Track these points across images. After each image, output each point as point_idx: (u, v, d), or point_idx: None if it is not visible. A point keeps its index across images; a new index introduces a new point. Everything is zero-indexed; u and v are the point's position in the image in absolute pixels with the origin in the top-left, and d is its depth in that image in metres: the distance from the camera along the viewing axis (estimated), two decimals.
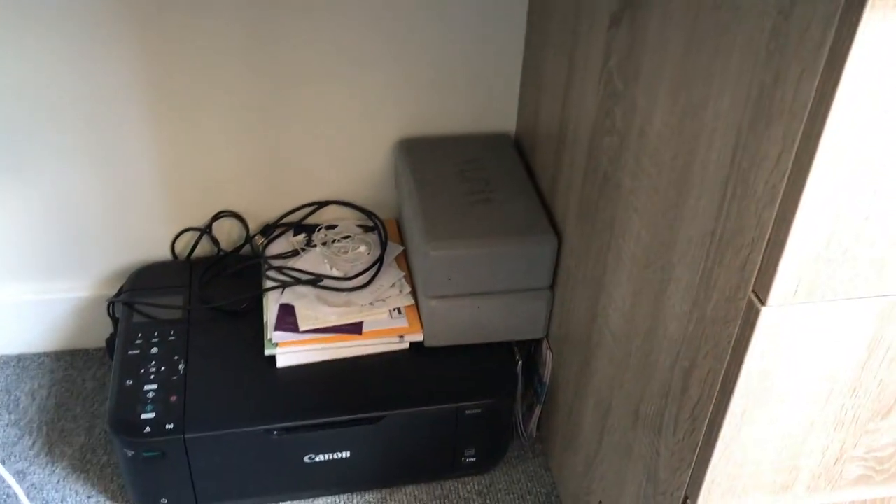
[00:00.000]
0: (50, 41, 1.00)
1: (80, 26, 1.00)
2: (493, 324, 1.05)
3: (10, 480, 0.85)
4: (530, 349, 1.14)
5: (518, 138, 1.18)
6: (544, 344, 1.09)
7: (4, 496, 1.06)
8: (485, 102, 1.16)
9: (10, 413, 1.16)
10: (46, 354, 1.25)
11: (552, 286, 1.04)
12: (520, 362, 1.09)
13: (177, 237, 1.20)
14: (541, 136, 1.07)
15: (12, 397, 1.18)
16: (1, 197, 1.11)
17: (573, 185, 0.95)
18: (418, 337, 1.06)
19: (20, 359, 1.24)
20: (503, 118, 1.18)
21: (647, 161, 0.75)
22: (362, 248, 1.16)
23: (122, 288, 1.15)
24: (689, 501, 0.71)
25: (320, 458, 1.02)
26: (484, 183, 1.08)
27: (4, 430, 1.14)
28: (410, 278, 1.11)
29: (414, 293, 1.09)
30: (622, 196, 0.81)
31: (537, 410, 1.13)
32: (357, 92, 1.12)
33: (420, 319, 1.06)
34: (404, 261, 1.15)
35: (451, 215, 1.02)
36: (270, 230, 1.19)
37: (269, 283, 1.10)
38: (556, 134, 1.00)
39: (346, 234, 1.18)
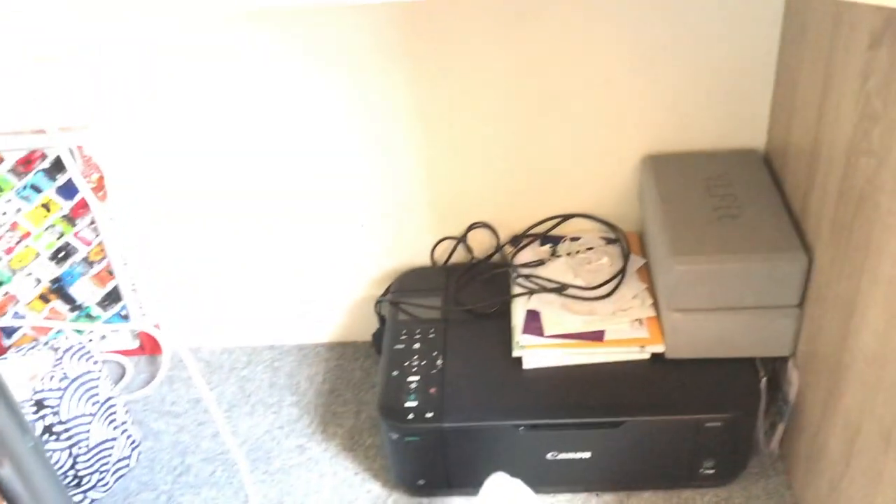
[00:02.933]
0: (337, 74, 1.16)
1: (361, 57, 1.14)
2: (736, 339, 1.06)
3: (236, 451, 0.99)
4: (775, 366, 1.13)
5: (767, 155, 1.18)
6: (790, 362, 1.08)
7: (282, 467, 1.22)
8: (734, 118, 1.17)
9: (292, 395, 1.34)
10: (322, 345, 1.42)
11: (800, 304, 1.03)
12: (763, 379, 1.09)
13: (436, 245, 1.32)
14: (792, 154, 1.07)
15: (294, 381, 1.36)
16: (298, 205, 1.29)
17: (826, 203, 0.94)
18: (659, 348, 1.09)
19: (300, 348, 1.42)
20: (752, 135, 1.18)
21: None
22: (605, 260, 1.21)
23: (388, 289, 1.29)
24: None
25: (562, 456, 1.08)
26: (731, 199, 1.09)
27: (288, 409, 1.31)
28: (652, 291, 1.15)
29: (656, 305, 1.13)
30: (880, 217, 0.80)
31: (780, 428, 1.12)
32: (606, 108, 1.18)
33: (661, 331, 1.09)
34: (646, 273, 1.19)
35: (697, 229, 1.05)
36: (519, 240, 1.28)
37: (517, 290, 1.19)
38: (809, 152, 0.99)
39: (590, 246, 1.24)
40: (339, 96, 1.18)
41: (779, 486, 1.13)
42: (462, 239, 1.31)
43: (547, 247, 1.26)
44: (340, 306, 1.39)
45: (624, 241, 1.23)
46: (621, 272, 1.17)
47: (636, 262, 1.20)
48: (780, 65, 1.10)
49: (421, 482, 1.13)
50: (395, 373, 1.13)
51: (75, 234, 1.28)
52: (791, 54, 1.05)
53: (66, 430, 1.10)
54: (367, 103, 1.18)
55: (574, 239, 1.26)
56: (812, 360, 1.01)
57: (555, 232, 1.29)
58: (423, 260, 1.34)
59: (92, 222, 1.27)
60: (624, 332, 1.11)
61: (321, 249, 1.34)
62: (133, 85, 1.18)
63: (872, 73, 0.80)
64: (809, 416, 1.03)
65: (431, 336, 1.17)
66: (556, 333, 1.12)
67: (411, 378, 1.12)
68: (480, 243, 1.32)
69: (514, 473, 1.11)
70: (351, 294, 1.37)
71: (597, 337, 1.11)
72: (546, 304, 1.16)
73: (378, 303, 1.30)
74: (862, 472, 0.87)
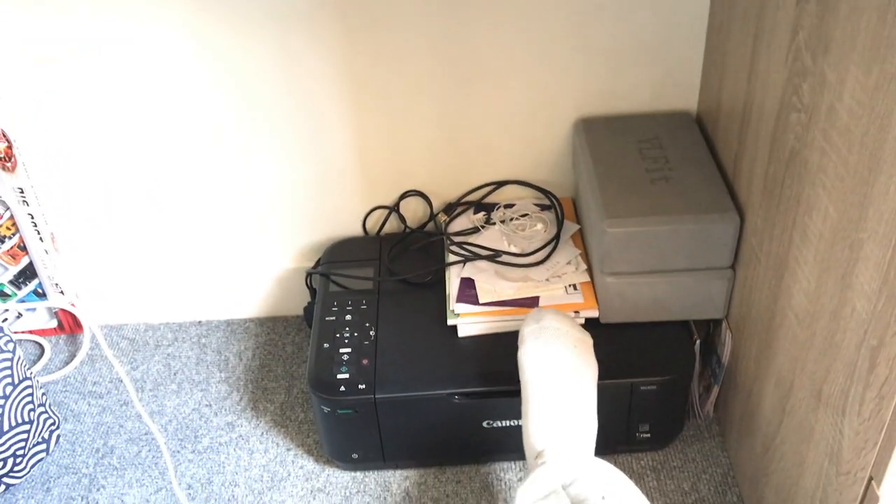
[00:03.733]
0: (262, 40, 1.11)
1: (290, 25, 1.10)
2: (670, 302, 1.06)
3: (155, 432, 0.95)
4: (709, 329, 1.13)
5: (699, 116, 1.18)
6: (724, 324, 1.08)
7: (217, 443, 1.19)
8: (665, 80, 1.16)
9: (220, 371, 1.29)
10: (251, 320, 1.38)
11: (733, 266, 1.03)
12: (697, 342, 1.09)
13: (368, 215, 1.29)
14: (723, 114, 1.06)
15: (222, 357, 1.32)
16: (217, 176, 1.24)
17: (757, 162, 0.94)
18: (594, 313, 1.08)
19: (229, 323, 1.38)
20: (684, 96, 1.18)
21: (836, 137, 0.73)
22: (539, 226, 1.19)
23: (318, 260, 1.25)
24: (873, 482, 0.70)
25: (497, 424, 1.07)
26: (663, 161, 1.09)
27: (217, 387, 1.27)
28: (586, 256, 1.14)
29: (590, 271, 1.12)
30: (809, 173, 0.80)
31: (715, 391, 1.13)
32: (536, 73, 1.15)
33: (595, 296, 1.08)
34: (580, 239, 1.17)
35: (630, 192, 1.04)
36: (452, 208, 1.26)
37: (451, 258, 1.17)
38: (740, 111, 0.99)
39: (524, 213, 1.22)
40: (264, 63, 1.13)
41: (714, 448, 1.13)
42: (394, 208, 1.28)
43: (481, 214, 1.24)
44: (270, 280, 1.34)
45: (558, 207, 1.21)
46: (555, 238, 1.16)
47: (570, 228, 1.19)
48: (711, 24, 1.10)
49: (355, 456, 1.10)
50: (326, 345, 1.09)
51: None
52: (721, 13, 1.05)
53: None
54: (293, 71, 1.14)
55: (508, 206, 1.24)
56: (745, 321, 1.01)
57: (489, 199, 1.27)
58: (354, 230, 1.30)
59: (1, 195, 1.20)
60: (558, 298, 1.09)
61: (248, 221, 1.29)
62: (38, 48, 1.11)
63: (801, 27, 0.79)
64: (743, 378, 1.04)
65: (364, 307, 1.14)
66: (491, 301, 1.10)
67: (343, 350, 1.08)
68: (413, 212, 1.29)
69: (450, 443, 1.09)
70: (280, 267, 1.33)
71: (532, 304, 1.09)
72: (480, 272, 1.14)
73: (308, 275, 1.26)
74: (794, 430, 0.87)
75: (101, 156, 1.21)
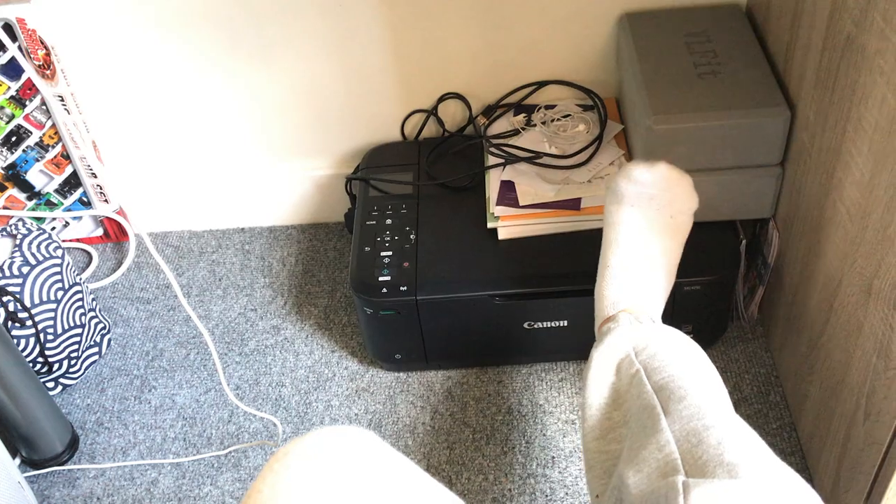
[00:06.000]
0: None
1: None
2: (716, 202, 1.03)
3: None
4: (755, 229, 1.11)
5: (749, 7, 1.12)
6: (770, 224, 1.06)
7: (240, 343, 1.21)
8: None
9: (264, 276, 1.31)
10: (293, 227, 1.39)
11: (782, 163, 1.00)
12: (743, 242, 1.07)
13: (406, 119, 1.27)
14: (774, 3, 1.01)
15: (266, 263, 1.33)
16: (255, 81, 1.23)
17: (810, 52, 0.90)
18: None
19: (272, 230, 1.38)
20: None
21: None
22: (581, 127, 1.17)
23: (358, 166, 1.25)
24: None
25: (538, 325, 1.07)
26: (712, 55, 1.05)
27: (261, 291, 1.29)
28: (630, 156, 1.11)
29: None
30: (866, 59, 0.76)
31: (760, 292, 1.11)
32: None
33: None
34: (623, 140, 1.15)
35: (676, 88, 1.00)
36: (492, 111, 1.23)
37: (491, 161, 1.15)
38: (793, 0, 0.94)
39: (566, 113, 1.19)
40: None
41: (757, 349, 1.13)
42: (433, 111, 1.26)
43: (521, 116, 1.21)
44: (310, 186, 1.34)
45: (601, 106, 1.18)
46: (598, 139, 1.13)
47: (614, 127, 1.16)
48: None
49: (398, 356, 1.12)
50: (367, 248, 1.10)
51: (25, 117, 1.22)
52: None
53: (31, 318, 1.07)
54: None
55: (549, 107, 1.21)
56: (793, 220, 0.99)
57: (529, 101, 1.24)
58: (393, 135, 1.29)
59: (42, 103, 1.21)
60: (601, 199, 1.08)
61: (286, 127, 1.28)
62: None
63: None
64: (789, 278, 1.02)
65: (403, 211, 1.14)
66: (531, 203, 1.08)
67: (384, 253, 1.09)
68: (452, 116, 1.27)
69: (491, 344, 1.10)
70: (320, 173, 1.33)
71: (573, 206, 1.08)
72: (521, 175, 1.12)
73: (348, 181, 1.26)
74: (841, 326, 0.86)
75: (141, 61, 1.21)
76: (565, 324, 1.07)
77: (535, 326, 1.07)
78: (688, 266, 1.03)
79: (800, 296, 0.98)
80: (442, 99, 1.25)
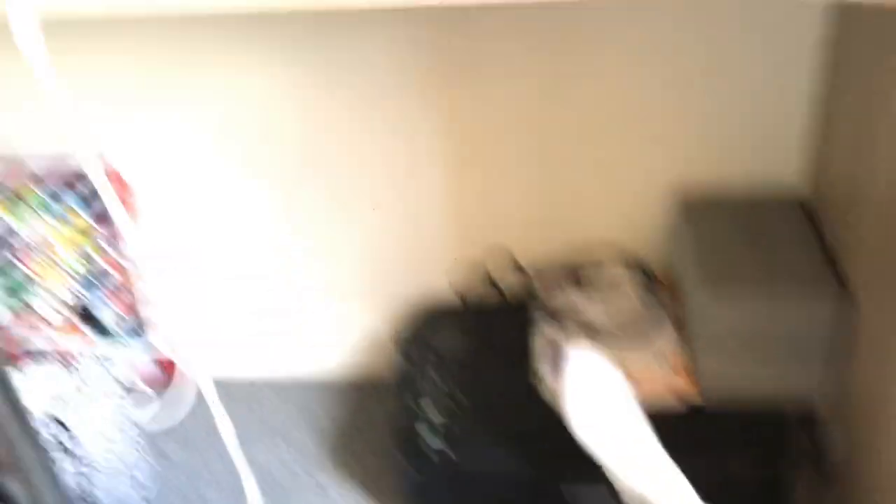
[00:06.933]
0: (360, 106, 1.16)
1: (382, 89, 1.14)
2: (772, 386, 1.01)
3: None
4: (813, 419, 1.07)
5: (807, 196, 1.14)
6: (830, 414, 1.03)
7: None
8: (769, 156, 1.14)
9: (313, 430, 1.32)
10: (344, 381, 1.40)
11: (841, 349, 0.99)
12: (800, 432, 1.04)
13: (457, 277, 1.29)
14: (832, 191, 1.03)
15: (314, 416, 1.34)
16: (313, 235, 1.28)
17: (870, 243, 0.90)
18: (689, 394, 1.05)
19: (322, 383, 1.40)
20: (790, 169, 1.15)
21: None
22: (632, 296, 1.17)
23: (407, 323, 1.27)
24: None
25: (581, 488, 1.03)
26: (767, 238, 1.06)
27: (307, 445, 1.29)
28: (684, 334, 1.11)
29: (687, 349, 1.09)
30: None
31: (817, 484, 1.06)
32: (638, 136, 1.15)
33: (692, 377, 1.05)
34: (679, 316, 1.15)
35: (732, 268, 1.01)
36: (544, 274, 1.25)
37: (541, 325, 1.16)
38: (851, 191, 0.96)
39: (616, 280, 1.20)
40: (355, 115, 1.17)
41: None
42: (485, 271, 1.28)
43: (571, 278, 1.22)
44: (359, 338, 1.36)
45: (653, 278, 1.19)
46: (649, 310, 1.14)
47: (665, 300, 1.17)
48: (823, 96, 1.07)
49: None
50: (412, 408, 1.10)
51: (105, 258, 1.29)
52: (832, 80, 1.03)
53: (80, 450, 1.09)
54: (383, 121, 1.17)
55: (600, 272, 1.23)
56: (853, 411, 0.96)
57: (580, 263, 1.26)
58: (442, 290, 1.31)
59: (121, 246, 1.28)
60: (652, 375, 1.07)
61: (338, 278, 1.32)
62: (155, 107, 1.19)
63: None
64: (848, 473, 0.97)
65: (449, 369, 1.14)
66: None
67: (430, 415, 1.08)
68: (504, 275, 1.29)
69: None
70: (368, 328, 1.35)
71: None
72: (568, 338, 1.13)
73: (397, 337, 1.28)
74: None
75: (213, 205, 1.28)
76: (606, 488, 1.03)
77: (577, 490, 1.03)
78: (736, 455, 0.99)
79: (864, 492, 0.93)
80: (495, 259, 1.27)
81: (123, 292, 1.32)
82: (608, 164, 1.18)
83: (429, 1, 0.83)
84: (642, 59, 1.10)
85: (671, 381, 1.05)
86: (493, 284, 1.28)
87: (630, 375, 1.06)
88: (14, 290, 1.33)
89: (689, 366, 1.06)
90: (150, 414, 1.37)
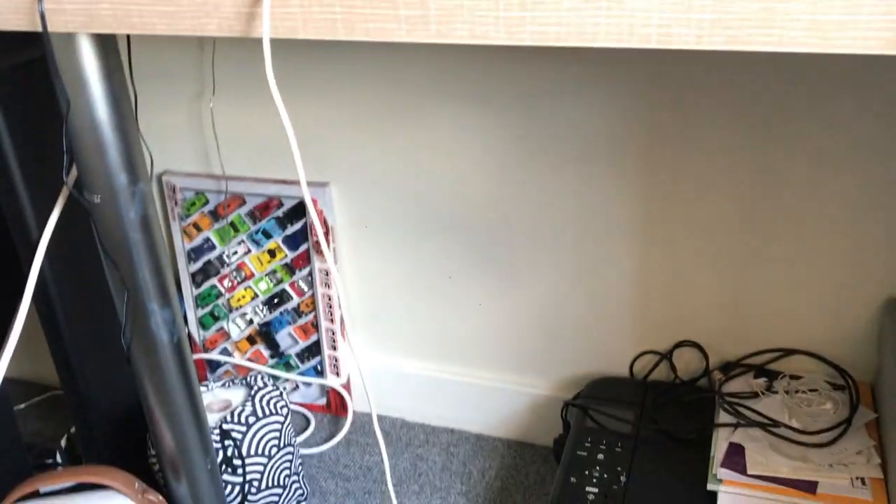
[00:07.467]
0: (560, 173, 1.15)
1: (584, 159, 1.13)
2: None
3: None
4: None
5: None
6: None
7: None
8: None
9: (462, 483, 1.29)
10: (500, 440, 1.37)
11: None
12: None
13: (637, 357, 1.25)
14: None
15: (466, 470, 1.32)
16: (493, 292, 1.28)
17: None
18: None
19: (479, 437, 1.38)
20: None
21: None
22: (828, 405, 1.08)
23: (579, 393, 1.23)
24: None
25: None
26: None
27: (455, 498, 1.27)
28: (881, 449, 1.01)
29: (884, 467, 0.98)
30: None
31: None
32: (845, 238, 1.07)
33: (888, 497, 0.95)
34: (875, 430, 1.04)
35: None
36: (731, 367, 1.18)
37: (722, 419, 1.09)
38: None
39: (812, 388, 1.11)
40: (555, 185, 1.17)
41: None
42: (667, 355, 1.23)
43: (762, 380, 1.15)
44: (526, 403, 1.34)
45: (854, 388, 1.09)
46: (847, 422, 1.04)
47: (866, 414, 1.06)
48: None
49: None
50: (573, 480, 1.05)
51: (291, 284, 1.34)
52: None
53: (243, 466, 1.12)
54: (584, 201, 1.16)
55: (794, 377, 1.14)
56: None
57: (773, 366, 1.18)
58: (620, 370, 1.27)
59: (309, 274, 1.33)
60: (842, 489, 0.97)
61: (516, 341, 1.31)
62: (366, 146, 1.24)
63: None
64: None
65: (618, 450, 1.09)
66: (761, 474, 1.00)
67: (590, 489, 1.04)
68: (687, 364, 1.23)
69: None
70: (537, 392, 1.32)
71: (808, 488, 0.98)
72: (753, 441, 1.05)
73: (566, 406, 1.24)
74: None
75: (400, 254, 1.30)
76: None
77: None
78: None
79: None
80: (678, 345, 1.22)
81: (303, 318, 1.36)
82: (813, 266, 1.10)
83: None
84: (859, 158, 1.03)
85: (858, 494, 0.95)
86: (674, 371, 1.23)
87: (812, 479, 0.97)
88: (214, 314, 1.41)
89: (882, 482, 0.96)
90: (305, 438, 1.40)
